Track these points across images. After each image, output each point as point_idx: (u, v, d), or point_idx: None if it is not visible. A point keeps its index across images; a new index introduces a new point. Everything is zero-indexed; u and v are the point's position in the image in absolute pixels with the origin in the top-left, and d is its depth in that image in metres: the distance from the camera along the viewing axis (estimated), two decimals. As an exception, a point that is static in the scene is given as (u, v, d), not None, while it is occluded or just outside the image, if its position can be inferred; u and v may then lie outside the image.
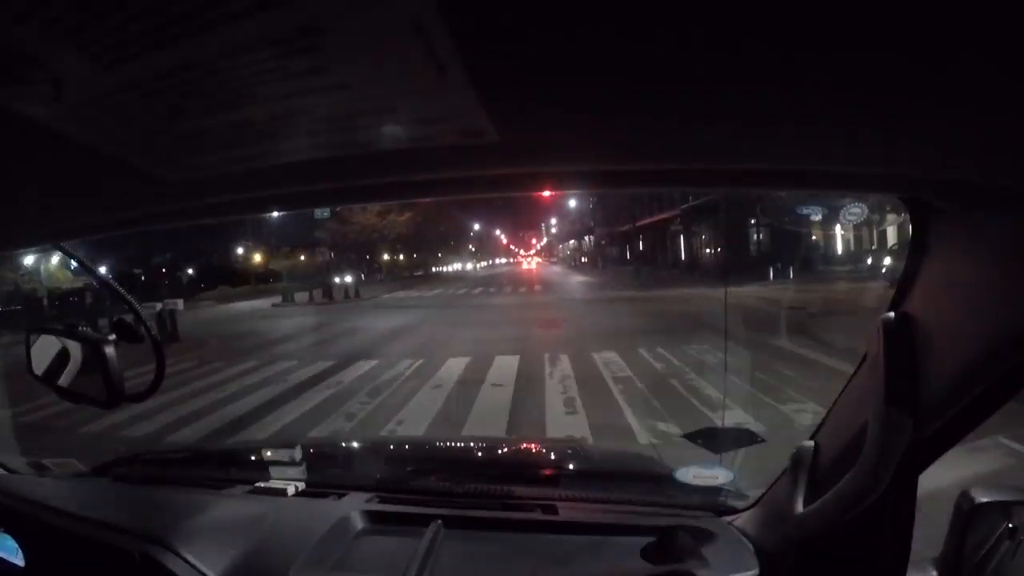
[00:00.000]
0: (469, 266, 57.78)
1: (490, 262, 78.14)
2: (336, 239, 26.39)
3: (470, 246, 68.76)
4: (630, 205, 32.82)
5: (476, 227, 56.66)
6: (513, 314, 12.55)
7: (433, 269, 44.09)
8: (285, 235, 31.65)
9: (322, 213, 20.82)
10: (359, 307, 17.84)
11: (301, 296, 21.88)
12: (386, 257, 30.58)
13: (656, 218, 28.00)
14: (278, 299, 22.21)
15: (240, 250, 33.06)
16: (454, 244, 49.36)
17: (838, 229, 20.89)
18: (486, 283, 27.28)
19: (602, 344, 7.69)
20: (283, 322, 14.35)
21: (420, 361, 7.35)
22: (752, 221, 21.21)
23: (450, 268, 50.45)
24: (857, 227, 19.06)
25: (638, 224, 29.62)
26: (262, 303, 22.45)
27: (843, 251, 20.64)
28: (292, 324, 13.58)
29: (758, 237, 20.91)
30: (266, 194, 0.63)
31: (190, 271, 36.95)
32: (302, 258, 26.45)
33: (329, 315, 15.59)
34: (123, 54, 0.35)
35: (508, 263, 68.10)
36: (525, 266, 46.12)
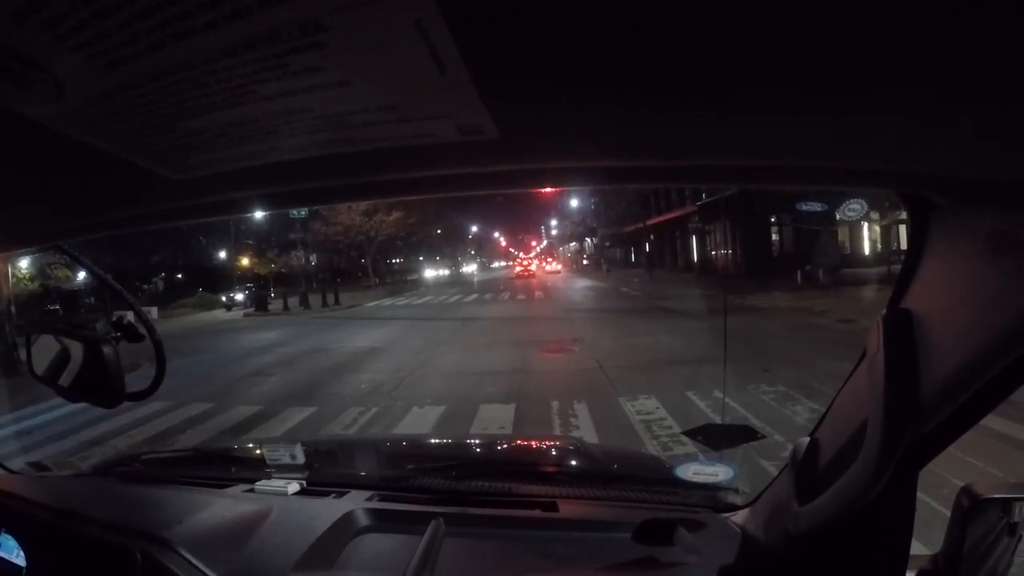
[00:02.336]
0: (466, 270, 57.04)
1: (489, 265, 76.16)
2: (319, 241, 23.80)
3: (470, 250, 67.72)
4: (636, 204, 30.47)
5: (474, 229, 54.41)
6: (510, 331, 10.79)
7: (428, 273, 43.44)
8: (271, 238, 29.16)
9: (299, 213, 18.48)
10: (333, 319, 16.36)
11: (288, 303, 20.74)
12: (370, 260, 27.97)
13: (666, 217, 25.81)
14: (252, 308, 21.24)
15: (222, 254, 30.55)
16: (451, 247, 46.88)
17: (865, 228, 18.42)
18: (483, 289, 26.00)
19: (632, 384, 5.94)
20: (239, 338, 13.17)
21: (373, 410, 5.16)
22: (773, 219, 18.68)
23: (446, 272, 49.82)
24: (886, 227, 16.70)
25: (648, 223, 27.14)
26: (237, 312, 21.81)
27: (870, 251, 18.35)
28: (246, 342, 12.31)
29: (780, 237, 20.02)
30: (267, 192, 0.65)
31: (169, 276, 34.53)
32: (292, 261, 25.42)
33: (295, 329, 14.34)
34: (124, 53, 0.36)
35: (507, 266, 66.12)
36: (525, 272, 43.93)
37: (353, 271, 33.56)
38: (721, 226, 22.09)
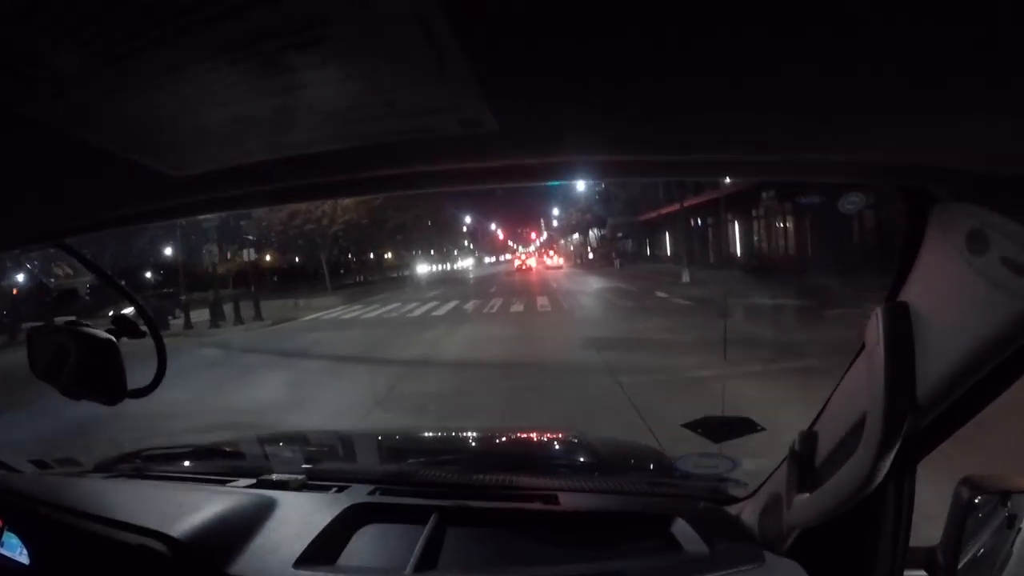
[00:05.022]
0: (459, 265, 54.07)
1: (486, 260, 71.07)
2: (265, 235, 18.05)
3: (465, 242, 65.16)
4: (652, 188, 28.07)
5: (468, 219, 49.58)
6: (489, 401, 5.82)
7: (417, 270, 39.94)
8: (225, 233, 23.53)
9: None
10: (227, 345, 11.67)
11: (191, 319, 16.31)
12: (327, 255, 22.39)
13: (697, 201, 20.38)
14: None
15: (168, 252, 25.12)
16: (441, 241, 45.34)
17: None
18: (469, 292, 21.68)
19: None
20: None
21: None
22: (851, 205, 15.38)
23: (437, 268, 46.63)
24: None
25: (663, 212, 25.42)
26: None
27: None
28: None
29: (860, 228, 15.93)
30: (268, 187, 0.70)
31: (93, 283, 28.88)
32: (209, 258, 20.85)
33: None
34: (124, 50, 0.38)
35: (504, 261, 60.85)
36: (524, 266, 39.07)
37: (319, 268, 28.80)
38: (776, 213, 18.23)
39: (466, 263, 59.33)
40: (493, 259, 75.61)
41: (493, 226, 75.62)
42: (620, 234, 39.85)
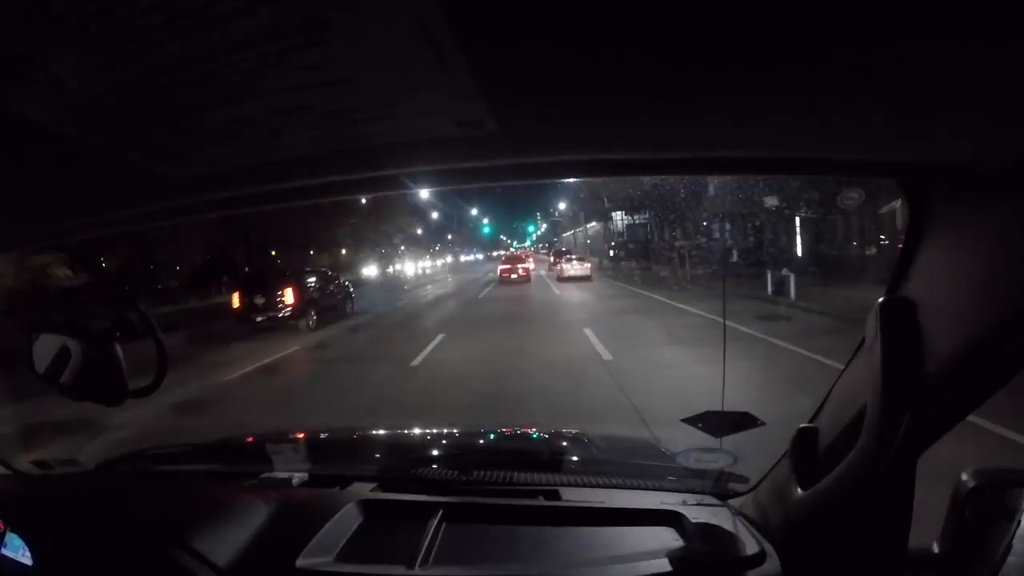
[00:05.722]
0: (430, 267, 45.25)
1: (464, 258, 56.68)
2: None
3: (448, 235, 57.55)
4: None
5: (422, 194, 34.23)
6: None
7: (390, 269, 34.57)
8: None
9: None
10: None
11: None
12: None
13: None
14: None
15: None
16: (386, 237, 35.09)
17: None
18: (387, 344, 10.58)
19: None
20: None
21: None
22: None
23: (410, 266, 39.68)
24: None
25: None
26: None
27: None
28: None
29: None
30: (266, 189, 0.71)
31: None
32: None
33: None
34: (124, 52, 0.39)
35: (495, 257, 46.61)
36: (515, 274, 24.26)
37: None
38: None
39: (439, 262, 47.06)
40: (472, 257, 61.08)
41: (474, 211, 60.78)
42: (760, 217, 16.99)
